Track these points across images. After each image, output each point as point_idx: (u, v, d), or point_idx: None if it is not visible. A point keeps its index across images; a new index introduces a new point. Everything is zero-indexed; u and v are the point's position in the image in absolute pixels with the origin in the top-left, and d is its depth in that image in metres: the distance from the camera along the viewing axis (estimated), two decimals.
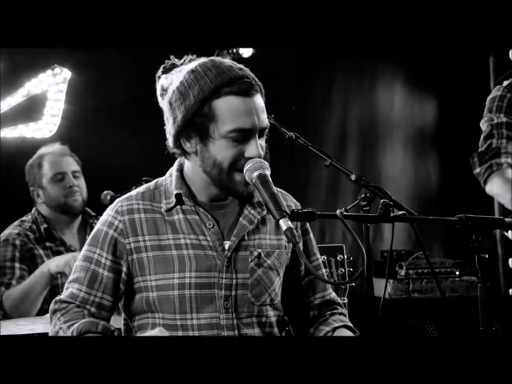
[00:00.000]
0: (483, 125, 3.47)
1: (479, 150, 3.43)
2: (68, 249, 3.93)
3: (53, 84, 4.85)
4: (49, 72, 4.83)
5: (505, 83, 3.48)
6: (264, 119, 2.30)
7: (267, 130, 2.33)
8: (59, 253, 3.90)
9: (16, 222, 3.97)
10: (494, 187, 3.33)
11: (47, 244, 3.91)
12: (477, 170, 3.42)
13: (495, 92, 3.47)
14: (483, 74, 6.00)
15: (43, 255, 3.86)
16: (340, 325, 2.48)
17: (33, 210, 4.00)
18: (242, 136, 2.26)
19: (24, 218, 4.00)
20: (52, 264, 3.61)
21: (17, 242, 3.82)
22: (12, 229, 3.91)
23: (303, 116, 5.50)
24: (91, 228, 4.01)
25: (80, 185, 4.01)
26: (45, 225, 3.92)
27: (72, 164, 4.02)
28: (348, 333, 2.47)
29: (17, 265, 3.79)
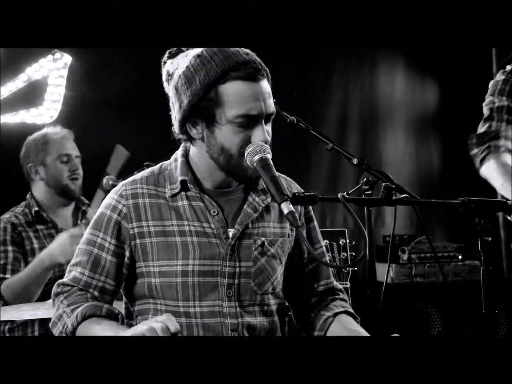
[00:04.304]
0: (484, 108, 3.45)
1: (478, 132, 3.41)
2: (60, 232, 3.92)
3: (53, 69, 4.84)
4: (49, 57, 4.82)
5: (508, 67, 3.45)
6: (271, 105, 2.28)
7: (273, 116, 2.31)
8: (50, 235, 3.89)
9: (11, 209, 3.98)
10: (488, 169, 3.31)
11: (38, 227, 3.90)
12: (474, 151, 3.40)
13: (499, 76, 3.45)
14: (485, 57, 5.97)
15: (33, 237, 3.85)
16: (341, 311, 2.48)
17: (28, 195, 4.00)
18: (249, 121, 2.23)
19: (19, 204, 4.00)
20: (59, 258, 3.60)
21: (8, 226, 3.82)
22: (4, 215, 3.91)
23: (303, 100, 5.48)
24: (83, 214, 4.02)
25: (81, 171, 4.02)
26: (36, 208, 3.91)
27: (76, 149, 4.03)
28: (349, 319, 2.47)
29: (9, 248, 3.78)
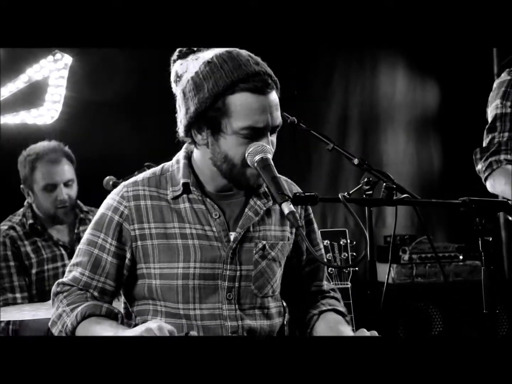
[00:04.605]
0: (489, 113, 3.42)
1: (482, 145, 3.38)
2: (57, 244, 3.92)
3: (54, 70, 4.84)
4: (50, 57, 4.82)
5: None
6: (277, 117, 2.27)
7: (279, 127, 2.30)
8: (49, 247, 3.89)
9: (9, 217, 3.96)
10: (496, 185, 3.28)
11: (35, 238, 3.90)
12: (478, 167, 3.37)
13: (504, 76, 3.41)
14: (486, 58, 5.97)
15: (30, 251, 3.85)
16: (327, 309, 2.48)
17: (25, 202, 3.98)
18: (254, 133, 2.23)
19: (17, 212, 3.99)
20: None
21: (7, 240, 3.81)
22: (2, 225, 3.89)
23: (304, 101, 5.48)
24: (81, 222, 3.99)
25: (71, 194, 3.94)
26: (31, 221, 3.89)
27: (65, 173, 3.93)
28: (334, 317, 2.47)
29: (11, 263, 3.79)
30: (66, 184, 3.92)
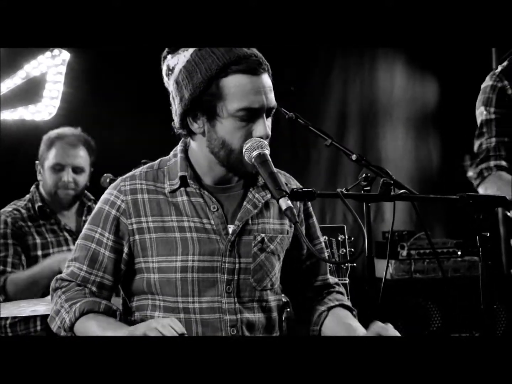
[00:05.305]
0: (477, 118, 3.44)
1: (473, 151, 3.40)
2: (63, 228, 3.92)
3: (52, 66, 4.84)
4: (47, 54, 4.82)
5: (499, 68, 3.44)
6: (272, 99, 2.28)
7: (274, 110, 2.30)
8: (53, 231, 3.90)
9: (13, 201, 3.97)
10: (488, 193, 3.28)
11: (41, 221, 3.91)
12: (470, 173, 3.38)
13: (488, 80, 3.43)
14: (485, 53, 5.97)
15: (34, 232, 3.85)
16: (335, 304, 2.48)
17: (33, 188, 3.99)
18: (250, 115, 2.23)
19: (23, 197, 4.00)
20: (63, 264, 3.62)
21: (9, 219, 3.81)
22: (6, 208, 3.91)
23: (302, 97, 5.48)
24: (88, 210, 3.99)
25: (77, 181, 3.94)
26: (39, 204, 3.91)
27: (78, 158, 3.94)
28: (343, 313, 2.47)
29: (10, 241, 3.79)
30: (75, 170, 3.93)
